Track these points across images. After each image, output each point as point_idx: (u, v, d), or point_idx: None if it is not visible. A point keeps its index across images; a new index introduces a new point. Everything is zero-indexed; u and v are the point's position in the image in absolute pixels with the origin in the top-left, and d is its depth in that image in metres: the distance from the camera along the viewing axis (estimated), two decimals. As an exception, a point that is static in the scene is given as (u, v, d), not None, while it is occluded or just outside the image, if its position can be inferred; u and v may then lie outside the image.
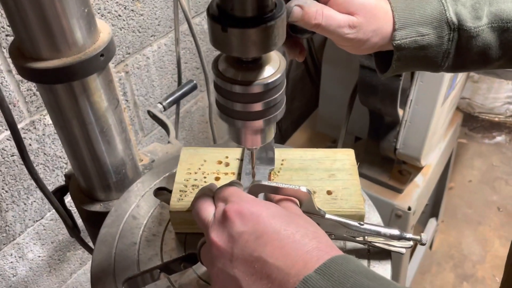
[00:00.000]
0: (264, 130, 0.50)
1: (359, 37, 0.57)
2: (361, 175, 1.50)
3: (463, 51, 0.59)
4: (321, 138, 1.80)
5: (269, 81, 0.44)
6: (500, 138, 2.82)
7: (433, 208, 2.16)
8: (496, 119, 2.83)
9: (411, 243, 0.56)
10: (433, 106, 1.22)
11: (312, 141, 1.81)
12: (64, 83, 0.57)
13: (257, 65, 0.45)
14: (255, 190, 0.51)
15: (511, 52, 0.60)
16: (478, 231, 2.33)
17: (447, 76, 1.17)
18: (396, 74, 0.62)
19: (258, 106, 0.45)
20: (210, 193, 0.50)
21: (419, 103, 1.24)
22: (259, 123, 0.47)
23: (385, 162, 1.48)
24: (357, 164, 0.65)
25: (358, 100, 1.37)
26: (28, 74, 0.55)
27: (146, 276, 0.58)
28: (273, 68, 0.45)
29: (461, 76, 1.36)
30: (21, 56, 0.55)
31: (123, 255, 0.59)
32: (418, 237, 0.56)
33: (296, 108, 2.16)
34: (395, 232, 0.55)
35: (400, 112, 1.28)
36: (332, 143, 1.75)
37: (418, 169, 1.50)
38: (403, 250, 0.57)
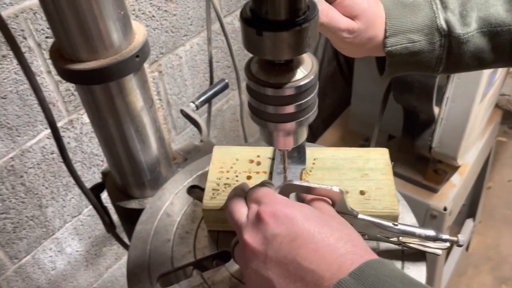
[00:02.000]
0: (296, 131, 0.49)
1: (355, 42, 0.59)
2: (395, 174, 1.47)
3: (455, 56, 0.59)
4: (353, 136, 1.78)
5: (301, 83, 0.44)
6: (542, 136, 2.70)
7: (470, 209, 2.10)
8: (538, 116, 2.71)
9: (447, 244, 0.55)
10: (471, 104, 1.18)
11: (344, 139, 1.79)
12: (101, 84, 0.58)
13: (290, 67, 0.44)
14: (286, 190, 0.51)
15: (505, 55, 0.60)
16: (518, 233, 2.24)
17: (486, 72, 1.13)
18: (394, 75, 0.64)
19: (290, 109, 0.45)
20: (242, 193, 0.50)
21: (456, 100, 1.20)
22: (291, 125, 0.47)
23: (420, 161, 1.44)
24: (391, 163, 0.63)
25: (391, 97, 1.34)
26: (68, 75, 0.57)
27: (179, 273, 0.59)
28: (305, 70, 0.45)
29: (500, 72, 1.31)
30: (61, 58, 0.57)
31: (157, 252, 0.61)
32: (455, 238, 0.54)
33: (327, 106, 2.14)
34: (431, 233, 0.54)
35: (436, 110, 1.24)
36: (365, 141, 1.72)
37: (455, 168, 1.46)
38: (439, 252, 0.55)
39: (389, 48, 0.59)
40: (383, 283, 0.37)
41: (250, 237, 0.43)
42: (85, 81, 0.57)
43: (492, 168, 2.29)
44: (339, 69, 2.08)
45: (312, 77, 0.44)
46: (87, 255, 1.26)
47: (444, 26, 0.58)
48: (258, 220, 0.44)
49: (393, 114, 1.41)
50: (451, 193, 1.43)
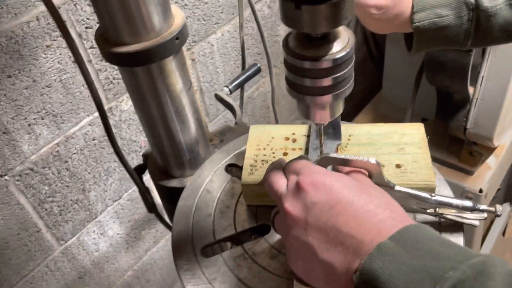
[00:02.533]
0: (333, 105, 0.51)
1: (383, 18, 0.60)
2: (429, 156, 1.47)
3: (484, 29, 0.59)
4: (385, 120, 1.75)
5: (338, 56, 0.45)
6: None
7: (506, 193, 2.05)
8: None
9: (485, 215, 0.55)
10: (507, 83, 1.16)
11: (376, 124, 1.78)
12: (143, 66, 0.61)
13: (326, 40, 0.46)
14: (323, 162, 0.52)
15: None
16: (558, 218, 2.18)
17: (523, 49, 1.11)
18: (422, 51, 0.64)
19: (327, 81, 0.47)
20: (281, 167, 0.52)
21: (491, 79, 1.18)
22: (328, 98, 0.48)
23: (454, 143, 1.42)
24: (427, 138, 0.64)
25: (424, 80, 1.33)
26: (112, 58, 0.60)
27: (221, 245, 0.62)
28: (342, 43, 0.46)
29: (538, 49, 1.28)
30: (106, 42, 0.60)
31: (199, 225, 0.64)
32: (492, 208, 0.55)
33: (357, 92, 2.12)
34: (468, 203, 0.54)
35: (471, 89, 1.22)
36: (397, 126, 1.71)
37: (490, 150, 1.43)
38: (477, 222, 0.56)
39: (417, 23, 0.59)
40: (423, 245, 0.38)
41: (291, 206, 0.45)
42: (129, 63, 0.60)
43: (530, 151, 2.23)
44: (369, 54, 2.07)
45: (348, 49, 0.45)
46: (127, 238, 1.31)
47: None
48: (298, 189, 0.46)
49: (426, 97, 1.39)
50: (487, 175, 1.40)
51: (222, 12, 1.30)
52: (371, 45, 2.02)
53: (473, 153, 1.43)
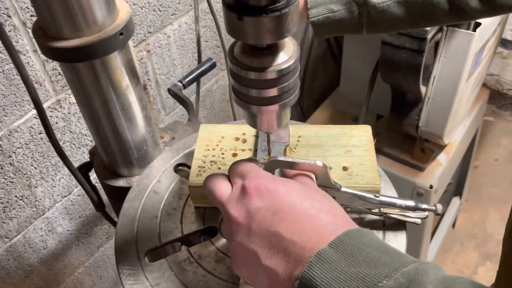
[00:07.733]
0: (279, 114, 0.50)
1: None
2: (383, 153, 1.50)
3: (375, 22, 0.64)
4: (343, 116, 1.79)
5: (283, 67, 0.45)
6: (529, 116, 2.73)
7: (456, 187, 2.14)
8: (526, 96, 2.73)
9: (426, 213, 0.57)
10: (457, 83, 1.19)
11: (333, 119, 1.80)
12: (85, 62, 0.58)
13: (272, 51, 0.45)
14: (271, 166, 0.52)
15: (423, 22, 0.65)
16: (503, 211, 2.29)
17: (472, 52, 1.14)
18: (325, 37, 0.68)
19: (272, 92, 0.46)
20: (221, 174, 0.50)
21: (442, 79, 1.21)
22: (274, 108, 0.48)
23: (407, 140, 1.46)
24: (374, 140, 0.65)
25: (380, 77, 1.35)
26: (51, 53, 0.57)
27: (167, 248, 0.60)
28: (287, 54, 0.46)
29: (487, 51, 1.32)
30: (44, 35, 0.57)
31: (145, 228, 0.62)
32: (433, 208, 0.56)
33: (318, 86, 2.14)
34: (410, 203, 0.56)
35: (423, 89, 1.26)
36: (354, 121, 1.74)
37: (441, 147, 1.48)
38: (418, 221, 0.57)
39: (312, 18, 0.63)
40: (361, 251, 0.38)
41: (235, 211, 0.44)
42: (69, 58, 0.57)
43: (479, 147, 2.33)
44: (329, 49, 2.08)
45: (293, 60, 0.45)
46: (78, 234, 1.27)
47: None
48: (242, 193, 0.45)
49: (381, 94, 1.42)
50: (437, 171, 1.45)
51: (179, 3, 1.26)
52: (331, 41, 2.04)
53: (425, 150, 1.47)
